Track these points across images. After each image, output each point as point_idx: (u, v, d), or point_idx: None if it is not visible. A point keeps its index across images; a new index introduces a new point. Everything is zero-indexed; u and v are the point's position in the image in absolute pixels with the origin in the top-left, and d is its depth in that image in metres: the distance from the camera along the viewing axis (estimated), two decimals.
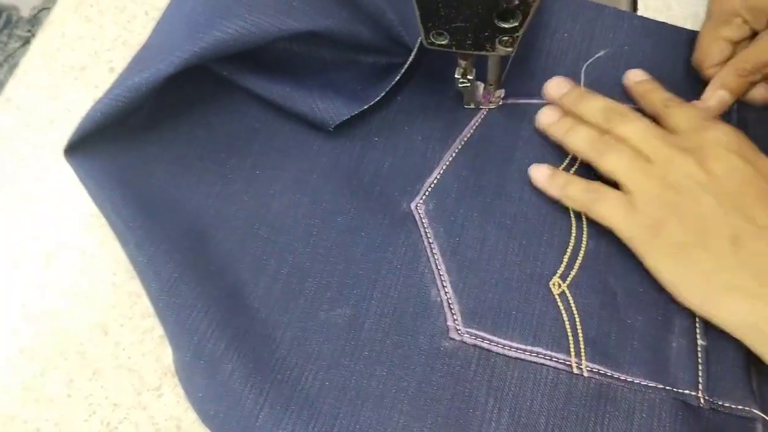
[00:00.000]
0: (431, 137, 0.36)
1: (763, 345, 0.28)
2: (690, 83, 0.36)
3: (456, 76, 0.34)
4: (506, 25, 0.27)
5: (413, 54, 0.33)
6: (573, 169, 0.34)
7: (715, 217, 0.29)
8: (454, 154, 0.36)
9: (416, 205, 0.34)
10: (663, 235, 0.29)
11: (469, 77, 0.34)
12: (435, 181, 0.35)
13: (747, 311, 0.28)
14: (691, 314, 0.30)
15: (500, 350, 0.30)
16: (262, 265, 0.33)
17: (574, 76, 0.36)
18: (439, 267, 0.32)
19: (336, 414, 0.29)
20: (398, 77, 0.34)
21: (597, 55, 0.36)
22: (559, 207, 0.33)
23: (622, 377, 0.29)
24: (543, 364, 0.30)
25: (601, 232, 0.32)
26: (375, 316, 0.31)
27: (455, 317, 0.31)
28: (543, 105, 0.36)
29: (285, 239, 0.34)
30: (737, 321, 0.28)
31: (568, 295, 0.31)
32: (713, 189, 0.29)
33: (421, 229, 0.34)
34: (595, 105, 0.33)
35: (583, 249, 0.32)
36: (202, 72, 0.34)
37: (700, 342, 0.29)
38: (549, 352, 0.30)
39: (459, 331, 0.31)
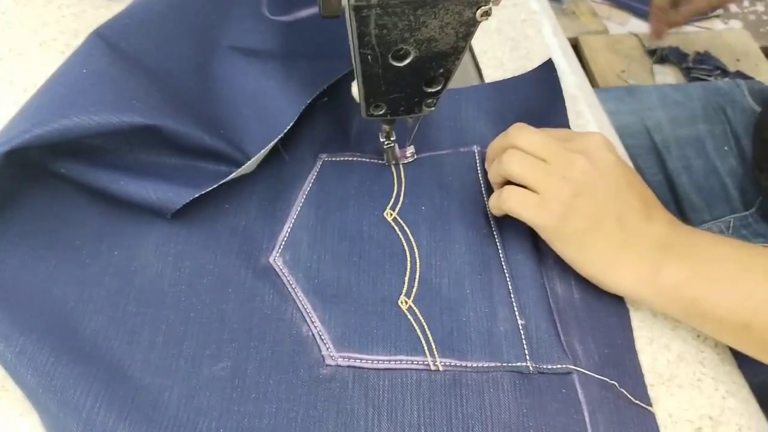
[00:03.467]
0: (276, 198, 0.41)
1: (647, 294, 0.35)
2: (540, 114, 0.47)
3: (381, 139, 0.41)
4: (432, 90, 0.35)
5: (254, 159, 0.38)
6: (398, 205, 0.41)
7: (605, 203, 0.35)
8: (298, 209, 0.40)
9: (274, 259, 0.38)
10: (568, 225, 0.35)
11: (392, 138, 0.41)
12: (286, 236, 0.39)
13: (631, 273, 0.35)
14: (509, 302, 0.36)
15: (370, 365, 0.34)
16: (135, 338, 0.34)
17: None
18: (305, 306, 0.36)
19: None
20: (232, 175, 0.38)
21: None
22: (393, 239, 0.39)
23: (469, 364, 0.34)
24: (406, 369, 0.34)
25: (430, 254, 0.38)
26: (255, 362, 0.34)
27: (327, 346, 0.34)
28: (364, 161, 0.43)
29: (154, 310, 0.35)
30: (625, 282, 0.35)
31: (415, 308, 0.36)
32: (601, 181, 0.35)
33: (283, 278, 0.37)
34: (500, 138, 0.40)
35: (418, 270, 0.38)
36: (42, 169, 0.36)
37: (520, 322, 0.36)
38: (409, 357, 0.34)
39: (333, 357, 0.34)
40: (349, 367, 0.34)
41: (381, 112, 0.37)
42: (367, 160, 0.44)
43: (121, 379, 0.32)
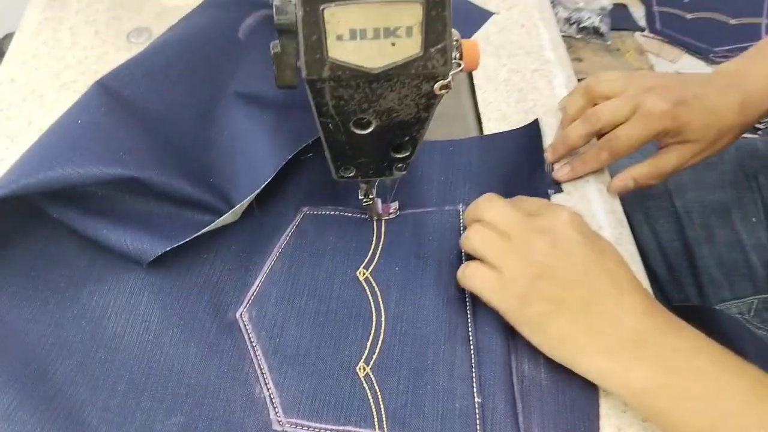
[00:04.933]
0: (254, 250, 0.41)
1: (615, 388, 0.33)
2: (520, 176, 0.46)
3: (360, 197, 0.41)
4: (400, 155, 0.35)
5: (231, 211, 0.39)
6: (372, 264, 0.41)
7: (568, 287, 0.33)
8: (272, 263, 0.41)
9: (240, 314, 0.38)
10: (529, 307, 0.34)
11: (370, 196, 0.40)
12: (256, 290, 0.39)
13: (598, 363, 0.33)
14: (470, 376, 0.35)
15: None
16: (100, 384, 0.35)
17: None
18: (261, 366, 0.36)
19: None
20: (211, 226, 0.38)
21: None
22: (362, 300, 0.39)
23: None
24: None
25: (397, 319, 0.38)
26: (206, 420, 0.34)
27: (277, 410, 0.34)
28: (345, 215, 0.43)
29: (121, 357, 0.36)
30: (592, 371, 0.33)
31: (372, 376, 0.36)
32: (563, 263, 0.34)
33: (245, 335, 0.37)
34: (471, 207, 0.39)
35: (382, 335, 0.37)
36: (38, 210, 0.38)
37: (477, 400, 0.34)
38: (357, 429, 0.34)
39: (281, 422, 0.34)
40: None
41: (351, 174, 0.36)
42: (349, 214, 0.44)
43: (77, 428, 0.33)
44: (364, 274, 0.40)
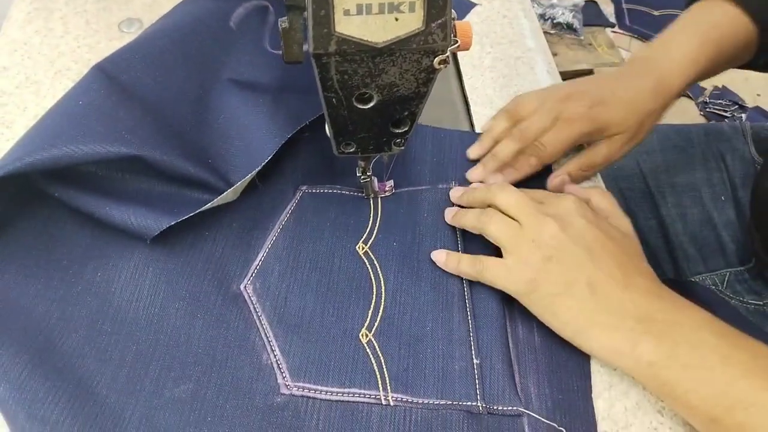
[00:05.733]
0: (255, 227, 0.43)
1: (623, 365, 0.34)
2: None
3: (358, 174, 0.42)
4: (399, 131, 0.36)
5: (232, 189, 0.40)
6: (371, 240, 0.43)
7: (574, 269, 0.35)
8: (273, 238, 0.42)
9: (245, 286, 0.40)
10: (539, 289, 0.36)
11: (368, 173, 0.42)
12: (259, 264, 0.41)
13: (606, 341, 0.35)
14: (468, 340, 0.37)
15: (324, 396, 0.35)
16: (108, 356, 0.36)
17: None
18: (267, 335, 0.38)
19: None
20: (213, 203, 0.39)
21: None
22: (362, 273, 0.41)
23: (420, 401, 0.35)
24: (358, 402, 0.35)
25: (396, 290, 0.40)
26: (215, 386, 0.35)
27: (284, 375, 0.36)
28: (343, 194, 0.45)
29: (128, 330, 0.37)
30: (601, 349, 0.35)
31: (374, 342, 0.37)
32: (570, 247, 0.36)
33: (250, 305, 0.39)
34: (483, 189, 0.42)
35: (382, 304, 0.39)
36: (41, 190, 0.39)
37: (475, 361, 0.36)
38: (362, 391, 0.35)
39: (288, 386, 0.36)
40: (302, 396, 0.35)
41: (351, 150, 0.38)
42: (347, 192, 0.45)
43: (87, 396, 0.34)
44: (363, 248, 0.42)
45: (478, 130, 0.51)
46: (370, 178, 0.43)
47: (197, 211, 0.39)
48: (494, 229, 0.38)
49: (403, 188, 0.46)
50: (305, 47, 0.31)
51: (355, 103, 0.33)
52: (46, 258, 0.40)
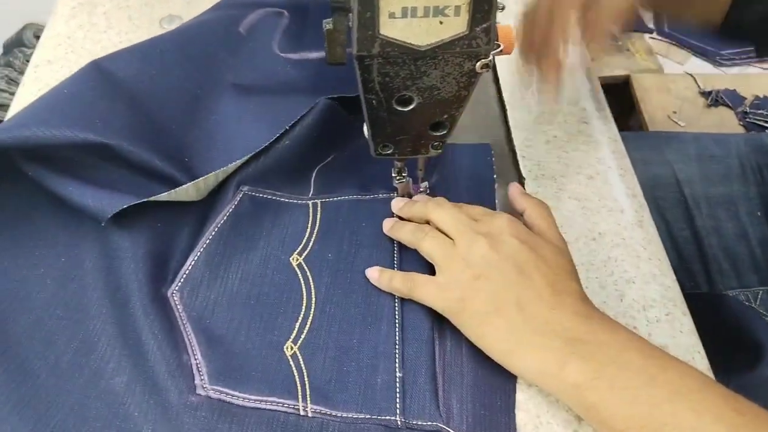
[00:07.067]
0: (201, 227, 0.43)
1: (550, 386, 0.34)
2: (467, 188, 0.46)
3: (393, 175, 0.42)
4: (437, 134, 0.36)
5: (192, 183, 0.41)
6: (306, 251, 0.42)
7: (503, 288, 0.35)
8: (207, 242, 0.42)
9: (172, 293, 0.40)
10: (468, 308, 0.35)
11: (403, 174, 0.42)
12: (189, 269, 0.41)
13: (533, 362, 0.33)
14: (393, 353, 0.37)
15: (240, 402, 0.36)
16: (54, 340, 0.37)
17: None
18: (191, 340, 0.38)
19: None
20: (170, 194, 0.41)
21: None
22: (294, 285, 0.40)
23: (338, 414, 0.35)
24: (275, 410, 0.35)
25: (326, 302, 0.39)
26: (142, 381, 0.36)
27: (202, 377, 0.36)
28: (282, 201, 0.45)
29: (77, 317, 0.38)
30: (528, 370, 0.34)
31: (299, 355, 0.38)
32: (500, 266, 0.35)
33: (176, 313, 0.39)
34: (420, 204, 0.41)
35: (311, 316, 0.39)
36: (20, 171, 0.40)
37: (398, 374, 0.36)
38: (281, 400, 0.36)
39: (205, 388, 0.36)
40: (218, 400, 0.36)
41: (389, 152, 0.38)
42: (286, 200, 0.45)
43: (26, 378, 0.36)
44: (297, 260, 0.42)
45: (514, 135, 0.51)
46: (405, 180, 0.42)
47: (152, 199, 0.39)
48: (428, 246, 0.38)
49: (345, 196, 0.45)
50: (348, 49, 0.31)
51: (395, 105, 0.33)
52: (17, 237, 0.41)
